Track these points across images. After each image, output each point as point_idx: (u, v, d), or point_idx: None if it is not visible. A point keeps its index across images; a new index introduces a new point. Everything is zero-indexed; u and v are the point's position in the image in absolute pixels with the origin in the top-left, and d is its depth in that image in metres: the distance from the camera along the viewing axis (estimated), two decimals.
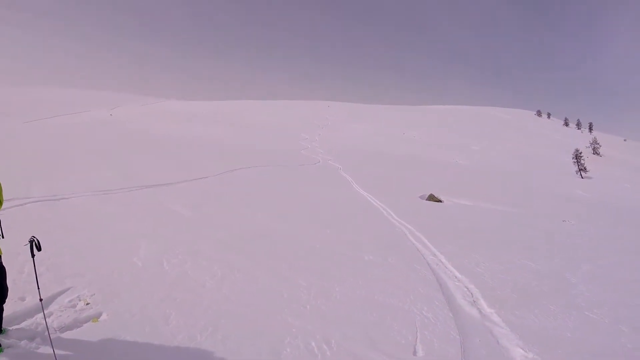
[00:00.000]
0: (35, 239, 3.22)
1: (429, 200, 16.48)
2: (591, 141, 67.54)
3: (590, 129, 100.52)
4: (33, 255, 3.22)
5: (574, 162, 47.10)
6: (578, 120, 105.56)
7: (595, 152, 64.97)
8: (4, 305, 3.25)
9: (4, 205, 4.44)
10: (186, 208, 8.68)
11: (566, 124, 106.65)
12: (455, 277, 6.44)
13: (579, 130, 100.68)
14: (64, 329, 3.50)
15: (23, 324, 3.47)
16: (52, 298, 3.99)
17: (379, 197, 14.73)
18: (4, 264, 3.23)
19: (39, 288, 3.27)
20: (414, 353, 3.81)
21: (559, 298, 6.00)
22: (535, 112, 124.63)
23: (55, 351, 2.99)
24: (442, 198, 16.85)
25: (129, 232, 6.49)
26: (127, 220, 7.23)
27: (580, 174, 45.76)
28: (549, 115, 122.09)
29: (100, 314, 3.81)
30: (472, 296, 5.63)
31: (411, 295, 5.30)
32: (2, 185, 3.25)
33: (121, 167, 13.57)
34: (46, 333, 3.19)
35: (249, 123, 62.04)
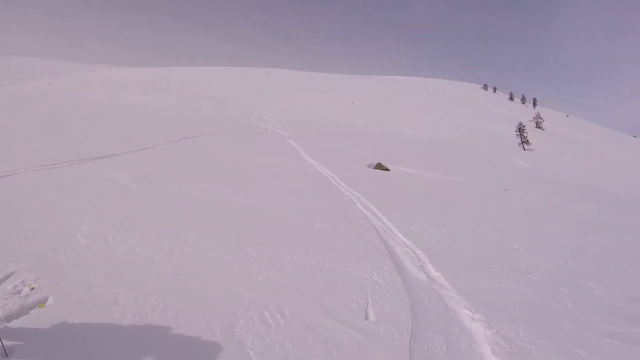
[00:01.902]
0: None
1: (377, 168, 16.83)
2: (535, 115, 71.44)
3: (535, 104, 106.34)
4: None
5: (517, 135, 49.78)
6: (523, 95, 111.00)
7: (538, 126, 68.89)
8: None
9: None
10: (131, 180, 8.26)
11: (511, 99, 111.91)
12: (403, 242, 6.67)
13: (523, 105, 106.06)
14: (10, 317, 3.37)
15: None
16: None
17: (328, 165, 14.82)
18: None
19: None
20: (366, 318, 3.95)
21: (502, 262, 6.39)
22: (481, 86, 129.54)
23: (4, 342, 2.90)
24: (389, 167, 17.28)
25: (72, 208, 6.15)
26: (70, 195, 6.83)
27: (523, 147, 48.55)
28: (494, 89, 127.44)
29: (46, 299, 3.68)
30: (420, 261, 5.86)
31: (361, 262, 5.42)
32: None
33: (63, 139, 12.80)
34: None
35: (192, 90, 59.65)
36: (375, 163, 17.35)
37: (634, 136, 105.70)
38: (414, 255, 6.09)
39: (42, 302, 3.64)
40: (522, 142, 49.11)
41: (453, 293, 4.83)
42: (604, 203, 16.74)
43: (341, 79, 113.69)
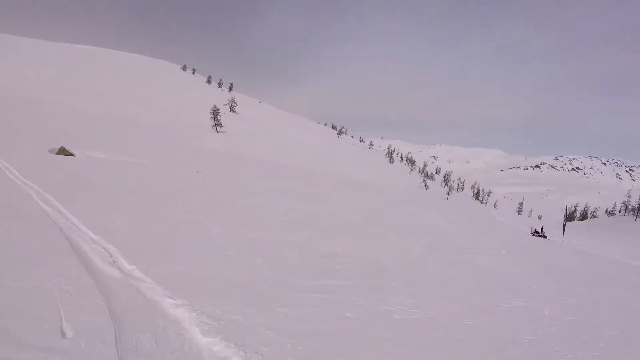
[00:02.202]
0: None
1: (60, 154, 14.89)
2: (229, 100, 76.67)
3: (231, 89, 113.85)
4: None
5: (211, 117, 52.64)
6: (220, 79, 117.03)
7: (232, 110, 74.42)
8: None
9: None
10: None
11: (209, 82, 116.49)
12: (91, 239, 6.11)
13: (219, 88, 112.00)
14: None
15: None
16: None
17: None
18: None
19: None
20: (63, 335, 3.40)
21: (197, 243, 6.79)
22: (181, 67, 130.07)
23: None
24: (74, 152, 15.57)
25: None
26: None
27: (216, 129, 51.82)
28: (194, 71, 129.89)
29: None
30: (112, 256, 5.50)
31: (44, 269, 4.59)
32: None
33: None
34: None
35: None
36: (58, 148, 15.30)
37: (318, 122, 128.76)
38: (104, 251, 5.65)
39: None
40: (216, 125, 52.32)
41: (151, 284, 4.76)
42: (285, 176, 19.71)
43: (20, 42, 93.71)
